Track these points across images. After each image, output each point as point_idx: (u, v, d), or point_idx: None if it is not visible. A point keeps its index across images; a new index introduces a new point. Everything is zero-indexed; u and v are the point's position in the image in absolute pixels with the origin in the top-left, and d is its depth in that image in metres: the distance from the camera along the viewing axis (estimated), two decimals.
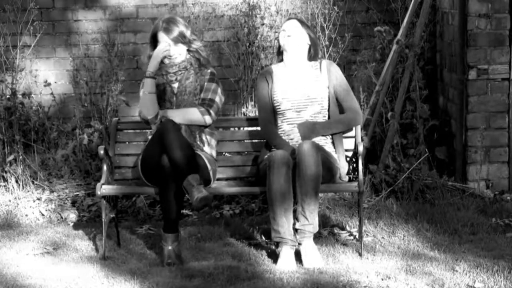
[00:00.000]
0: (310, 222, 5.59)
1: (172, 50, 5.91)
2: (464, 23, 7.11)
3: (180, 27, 5.92)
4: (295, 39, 5.95)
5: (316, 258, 5.60)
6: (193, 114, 5.89)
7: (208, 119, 5.90)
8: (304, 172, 5.56)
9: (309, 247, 5.62)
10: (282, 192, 5.57)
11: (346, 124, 5.98)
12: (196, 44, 5.98)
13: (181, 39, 5.90)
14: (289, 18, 6.06)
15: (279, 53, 6.08)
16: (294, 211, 5.65)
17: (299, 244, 5.63)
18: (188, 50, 5.97)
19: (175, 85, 5.96)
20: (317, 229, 5.66)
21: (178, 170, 5.57)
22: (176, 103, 5.95)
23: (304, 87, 5.95)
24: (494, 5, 7.07)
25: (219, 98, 5.96)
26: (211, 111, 5.90)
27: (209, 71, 6.01)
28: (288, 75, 5.99)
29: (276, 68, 6.06)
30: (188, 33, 5.94)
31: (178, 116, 5.85)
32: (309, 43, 5.99)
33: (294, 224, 5.63)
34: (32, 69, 8.24)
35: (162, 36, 5.89)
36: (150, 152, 5.73)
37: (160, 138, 5.64)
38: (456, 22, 7.23)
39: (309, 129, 5.89)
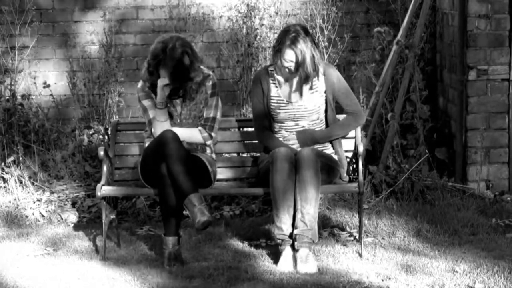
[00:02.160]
0: (309, 227, 5.54)
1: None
2: (464, 24, 7.11)
3: (181, 57, 5.70)
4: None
5: (311, 265, 5.52)
6: (195, 136, 5.91)
7: (209, 142, 5.95)
8: (304, 179, 5.54)
9: (305, 254, 5.55)
10: (285, 188, 5.55)
11: (347, 128, 5.95)
12: (196, 73, 5.81)
13: (179, 77, 5.74)
14: (289, 47, 5.69)
15: (277, 60, 5.81)
16: (295, 213, 5.62)
17: (297, 250, 5.56)
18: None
19: (178, 100, 5.92)
20: (316, 238, 5.59)
21: (179, 187, 5.56)
22: (180, 125, 5.92)
23: (301, 98, 5.90)
24: (493, 6, 7.08)
25: (220, 113, 5.96)
26: (213, 134, 5.93)
27: (210, 83, 5.92)
28: (285, 86, 5.91)
29: (273, 73, 5.93)
30: (187, 61, 5.73)
31: (181, 135, 5.82)
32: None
33: (293, 231, 5.58)
34: (31, 70, 8.23)
35: (162, 70, 5.75)
36: (150, 159, 5.73)
37: (160, 147, 5.63)
38: (456, 22, 7.23)
39: (308, 138, 5.85)
